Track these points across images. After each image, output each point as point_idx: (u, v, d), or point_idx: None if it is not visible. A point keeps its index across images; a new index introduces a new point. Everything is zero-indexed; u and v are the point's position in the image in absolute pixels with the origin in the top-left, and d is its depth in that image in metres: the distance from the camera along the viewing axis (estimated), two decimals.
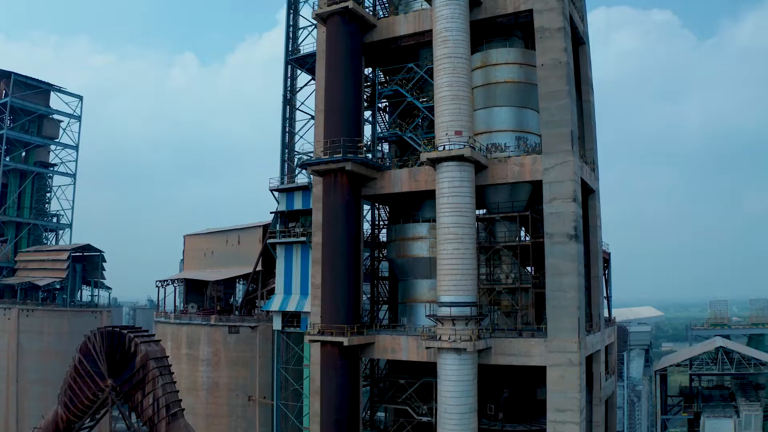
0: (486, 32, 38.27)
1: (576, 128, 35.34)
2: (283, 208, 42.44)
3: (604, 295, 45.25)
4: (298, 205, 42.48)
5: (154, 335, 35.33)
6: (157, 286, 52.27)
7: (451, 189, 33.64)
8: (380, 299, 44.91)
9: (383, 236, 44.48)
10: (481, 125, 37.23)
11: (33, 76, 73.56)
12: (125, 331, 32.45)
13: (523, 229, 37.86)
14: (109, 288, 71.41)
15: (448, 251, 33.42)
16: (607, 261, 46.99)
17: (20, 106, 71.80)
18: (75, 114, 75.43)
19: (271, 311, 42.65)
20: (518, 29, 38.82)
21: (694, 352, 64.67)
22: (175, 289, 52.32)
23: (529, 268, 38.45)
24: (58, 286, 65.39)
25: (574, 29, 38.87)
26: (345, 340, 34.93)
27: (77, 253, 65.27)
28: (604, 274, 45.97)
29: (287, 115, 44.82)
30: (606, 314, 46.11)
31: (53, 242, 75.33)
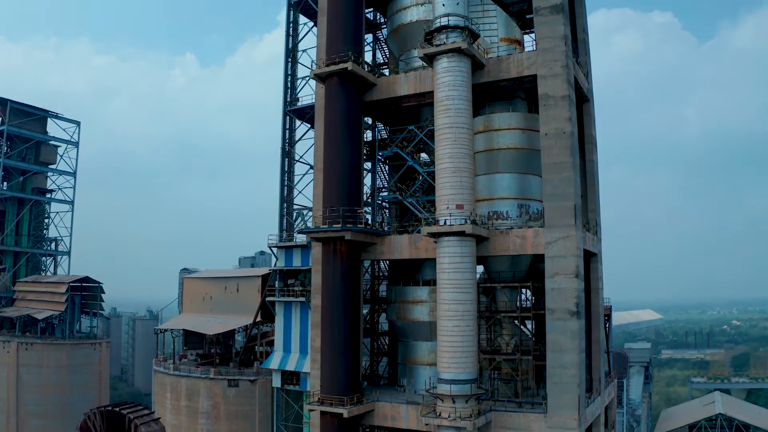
0: (489, 94, 37.64)
1: (579, 200, 34.84)
2: (282, 264, 42.08)
3: (605, 350, 45.01)
4: (297, 262, 42.10)
5: (153, 412, 35.05)
6: (156, 333, 51.87)
7: (452, 265, 33.25)
8: (380, 352, 44.63)
9: (384, 278, 44.01)
10: (483, 191, 36.72)
11: (29, 103, 72.97)
12: (125, 411, 32.16)
13: (526, 290, 37.64)
14: (108, 318, 71.12)
15: (448, 328, 33.08)
16: (608, 315, 46.67)
17: (17, 133, 71.09)
18: (72, 140, 74.72)
19: (271, 368, 42.39)
20: (522, 90, 38.20)
21: (694, 414, 63.74)
22: (174, 339, 51.96)
23: (529, 329, 38.17)
24: (56, 320, 65.20)
25: (579, 89, 38.24)
26: (345, 412, 34.71)
27: (76, 284, 64.97)
28: (605, 327, 45.69)
29: (285, 168, 44.23)
30: (606, 368, 45.90)
31: (51, 269, 75.07)
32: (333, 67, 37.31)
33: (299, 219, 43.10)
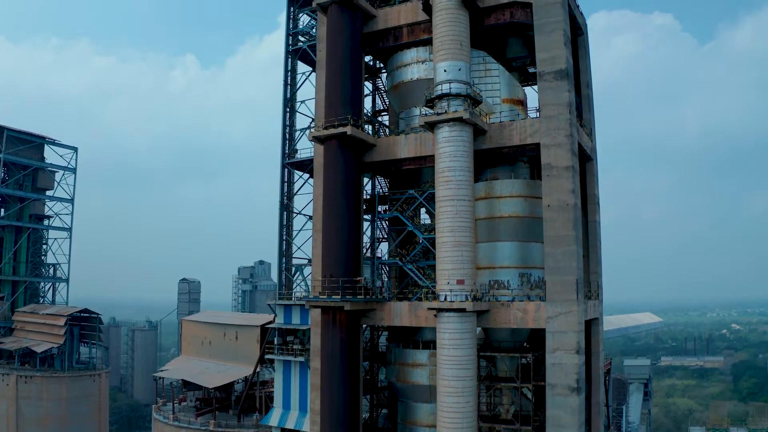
0: (491, 159, 37.00)
1: (582, 273, 34.41)
2: (280, 321, 41.71)
3: (605, 403, 44.84)
4: (296, 320, 41.74)
5: None
6: (155, 379, 51.63)
7: (452, 341, 32.88)
8: (380, 404, 44.41)
9: (384, 329, 43.67)
10: (484, 260, 36.21)
11: (27, 131, 72.19)
12: None
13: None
14: (107, 348, 71.07)
15: (447, 404, 32.77)
16: (608, 370, 46.42)
17: (14, 161, 70.58)
18: (70, 166, 74.18)
19: (270, 425, 42.23)
20: (525, 155, 37.54)
21: None
22: (173, 389, 51.70)
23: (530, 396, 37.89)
24: (56, 351, 65.08)
25: (582, 151, 37.61)
26: None
27: (74, 316, 64.71)
28: (604, 382, 45.51)
29: (284, 222, 43.68)
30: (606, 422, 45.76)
31: (50, 295, 74.89)
32: (332, 131, 36.70)
33: (298, 273, 42.75)
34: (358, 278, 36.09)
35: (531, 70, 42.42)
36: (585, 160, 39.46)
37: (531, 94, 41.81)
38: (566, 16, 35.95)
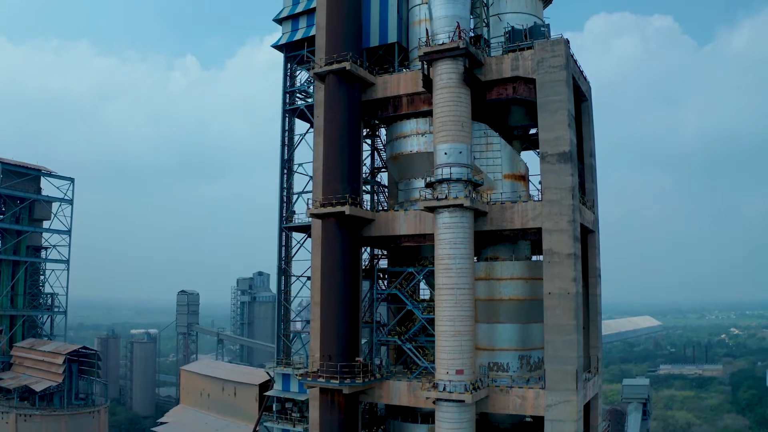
0: (492, 237, 36.39)
1: (582, 361, 34.01)
2: (279, 387, 41.44)
3: None
4: (294, 388, 41.38)
5: None
6: None
7: (451, 430, 32.59)
8: None
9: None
10: (483, 340, 35.80)
11: (23, 163, 71.57)
12: None
13: None
14: (105, 383, 70.99)
15: None
16: None
17: (10, 194, 70.06)
18: (66, 198, 73.55)
19: None
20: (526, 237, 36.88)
21: None
22: None
23: None
24: (54, 388, 65.04)
25: (584, 228, 37.00)
26: None
27: (73, 353, 64.54)
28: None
29: (282, 287, 43.21)
30: None
31: (49, 326, 74.71)
32: (329, 209, 36.11)
33: (296, 339, 42.45)
34: (357, 359, 35.72)
35: (532, 132, 41.70)
36: (586, 233, 38.86)
37: (533, 159, 41.23)
38: (570, 93, 35.22)
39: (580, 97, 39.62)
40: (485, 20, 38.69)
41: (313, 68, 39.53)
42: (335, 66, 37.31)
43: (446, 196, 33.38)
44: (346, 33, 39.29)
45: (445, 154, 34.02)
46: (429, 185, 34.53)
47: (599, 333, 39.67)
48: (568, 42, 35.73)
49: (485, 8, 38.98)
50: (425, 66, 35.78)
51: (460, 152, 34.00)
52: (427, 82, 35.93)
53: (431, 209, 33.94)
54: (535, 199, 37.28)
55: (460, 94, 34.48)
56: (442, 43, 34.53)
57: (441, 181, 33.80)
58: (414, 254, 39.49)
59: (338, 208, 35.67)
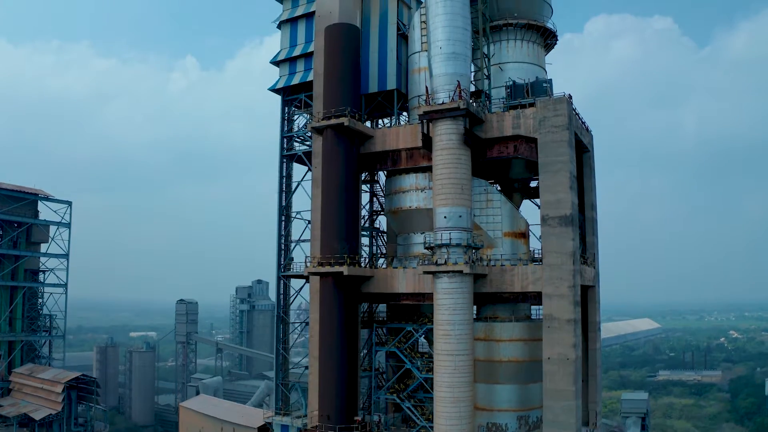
0: (492, 298, 35.95)
1: (581, 425, 33.73)
2: None
3: None
4: None
5: None
6: None
7: None
8: None
9: None
10: (482, 400, 35.51)
11: (20, 188, 70.85)
12: None
13: None
14: (105, 410, 70.72)
15: None
16: None
17: (7, 219, 69.58)
18: (63, 221, 73.08)
19: None
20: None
21: None
22: None
23: None
24: (54, 416, 65.04)
25: (585, 286, 36.58)
26: None
27: (72, 381, 64.45)
28: None
29: (281, 336, 42.85)
30: None
31: (47, 349, 74.57)
32: (327, 269, 35.71)
33: (294, 387, 42.23)
34: (356, 418, 35.52)
35: (533, 184, 41.17)
36: (586, 289, 38.43)
37: (533, 210, 40.71)
38: (573, 153, 34.68)
39: (582, 149, 39.05)
40: (486, 72, 38.05)
41: (311, 121, 38.98)
42: (333, 121, 36.76)
43: (446, 261, 33.00)
44: (344, 81, 38.74)
45: (445, 218, 33.56)
46: (429, 248, 34.08)
47: (598, 387, 39.39)
48: (570, 98, 35.16)
49: (486, 59, 38.34)
50: (425, 124, 35.21)
51: (460, 216, 33.54)
52: (427, 141, 35.39)
53: (430, 272, 33.53)
54: (536, 253, 37.00)
55: (460, 155, 33.95)
56: (442, 103, 33.99)
57: (441, 246, 33.36)
58: (413, 309, 39.09)
59: (336, 269, 35.28)
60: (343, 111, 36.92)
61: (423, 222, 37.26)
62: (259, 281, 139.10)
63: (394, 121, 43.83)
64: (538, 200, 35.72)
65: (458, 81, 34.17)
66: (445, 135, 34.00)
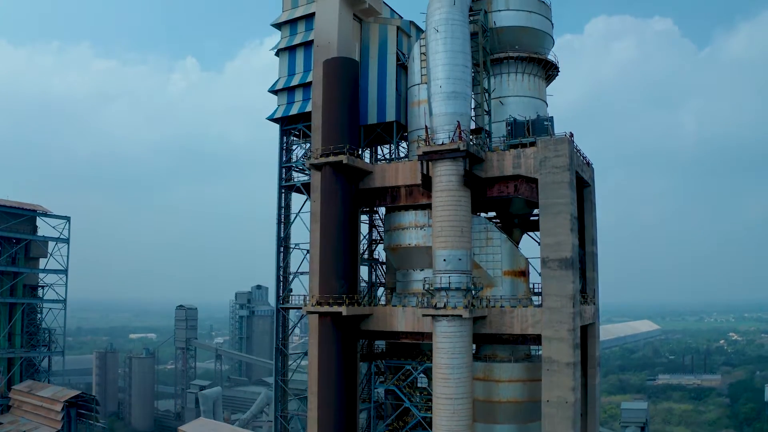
0: (491, 339, 35.72)
1: None
2: None
3: None
4: None
5: None
6: None
7: None
8: None
9: None
10: None
11: (18, 205, 70.74)
12: None
13: None
14: (105, 427, 70.75)
15: None
16: None
17: (5, 235, 69.46)
18: (62, 237, 72.91)
19: None
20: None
21: None
22: None
23: None
24: None
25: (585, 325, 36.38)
26: None
27: (71, 399, 64.48)
28: None
29: (279, 367, 42.73)
30: None
31: (46, 363, 74.62)
32: (326, 308, 35.52)
33: (293, 418, 42.14)
34: None
35: (533, 218, 40.87)
36: (586, 325, 38.22)
37: (532, 246, 40.33)
38: (574, 194, 34.38)
39: (583, 185, 38.71)
40: (486, 108, 37.65)
41: (309, 153, 38.66)
42: (332, 159, 36.44)
43: (445, 305, 32.77)
44: (343, 115, 38.40)
45: (444, 260, 33.30)
46: (428, 291, 33.85)
47: (596, 421, 39.27)
48: (572, 137, 34.81)
49: (486, 93, 37.94)
50: (425, 164, 34.88)
51: (460, 259, 33.28)
52: (427, 181, 35.07)
53: (430, 316, 33.31)
54: (536, 288, 36.76)
55: (460, 197, 33.65)
56: (442, 143, 33.63)
57: (440, 289, 33.12)
58: (413, 345, 38.92)
59: (335, 308, 35.08)
60: (342, 148, 36.59)
61: (422, 259, 37.02)
62: (259, 286, 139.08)
63: (393, 151, 43.59)
64: (538, 233, 35.52)
65: (458, 121, 33.81)
66: (445, 176, 33.68)
